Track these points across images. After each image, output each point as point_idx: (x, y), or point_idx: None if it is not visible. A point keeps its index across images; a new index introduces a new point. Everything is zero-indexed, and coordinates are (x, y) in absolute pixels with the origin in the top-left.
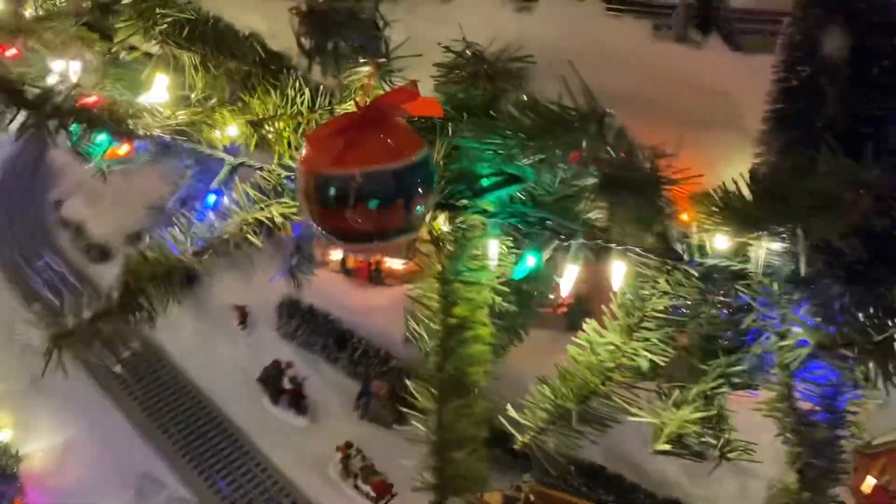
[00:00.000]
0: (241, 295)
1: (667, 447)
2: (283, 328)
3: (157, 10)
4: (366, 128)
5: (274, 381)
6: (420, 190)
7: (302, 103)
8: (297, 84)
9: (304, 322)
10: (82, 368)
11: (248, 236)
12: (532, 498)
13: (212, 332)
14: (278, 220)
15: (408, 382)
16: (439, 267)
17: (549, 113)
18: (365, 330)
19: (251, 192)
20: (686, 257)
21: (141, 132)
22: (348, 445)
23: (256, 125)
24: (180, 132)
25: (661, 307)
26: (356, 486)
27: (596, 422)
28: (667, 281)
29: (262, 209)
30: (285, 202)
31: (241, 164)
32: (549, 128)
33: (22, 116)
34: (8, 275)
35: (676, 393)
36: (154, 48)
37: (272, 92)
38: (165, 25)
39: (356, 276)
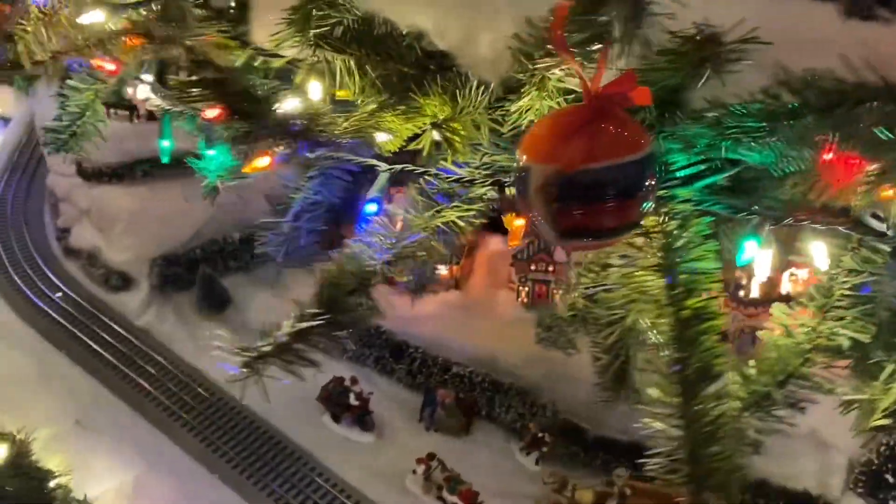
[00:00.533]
0: (278, 314)
1: (885, 422)
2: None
3: (321, 12)
4: (598, 120)
5: (338, 399)
6: (652, 182)
7: (480, 101)
8: (469, 82)
9: (355, 336)
10: (126, 404)
11: (434, 244)
12: (627, 492)
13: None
14: (461, 224)
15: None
16: (655, 259)
17: (839, 87)
18: (419, 339)
19: (420, 199)
20: (890, 232)
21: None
22: (430, 457)
23: (438, 127)
24: (350, 137)
25: (851, 285)
26: (440, 498)
27: (793, 405)
28: (852, 258)
29: (438, 215)
30: (459, 206)
31: (404, 169)
32: (833, 104)
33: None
34: (25, 313)
35: (892, 368)
36: (302, 53)
37: (444, 92)
38: (324, 28)
39: (397, 284)
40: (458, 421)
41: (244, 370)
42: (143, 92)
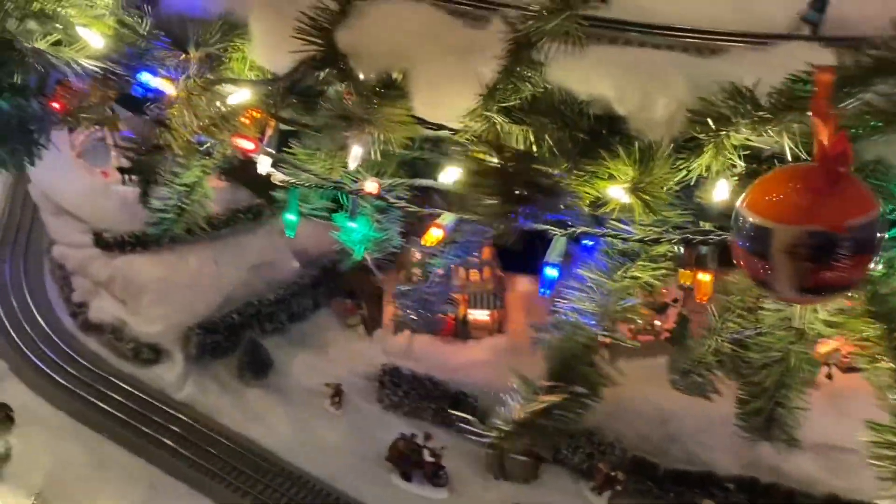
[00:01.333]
0: (322, 373)
1: None
2: (387, 399)
3: (511, 87)
4: (838, 180)
5: (410, 456)
6: (883, 235)
7: (667, 162)
8: (658, 146)
9: (411, 390)
10: (185, 484)
11: (641, 307)
12: None
13: (307, 417)
14: (654, 283)
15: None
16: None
17: None
18: (474, 387)
19: (609, 261)
20: None
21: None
22: None
23: (636, 190)
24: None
25: None
26: None
27: None
28: None
29: (628, 276)
30: (647, 265)
31: (586, 231)
32: None
33: None
34: (55, 398)
35: None
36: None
37: (630, 155)
38: (512, 101)
39: (441, 332)
40: (527, 466)
41: (489, 450)
42: (264, 165)
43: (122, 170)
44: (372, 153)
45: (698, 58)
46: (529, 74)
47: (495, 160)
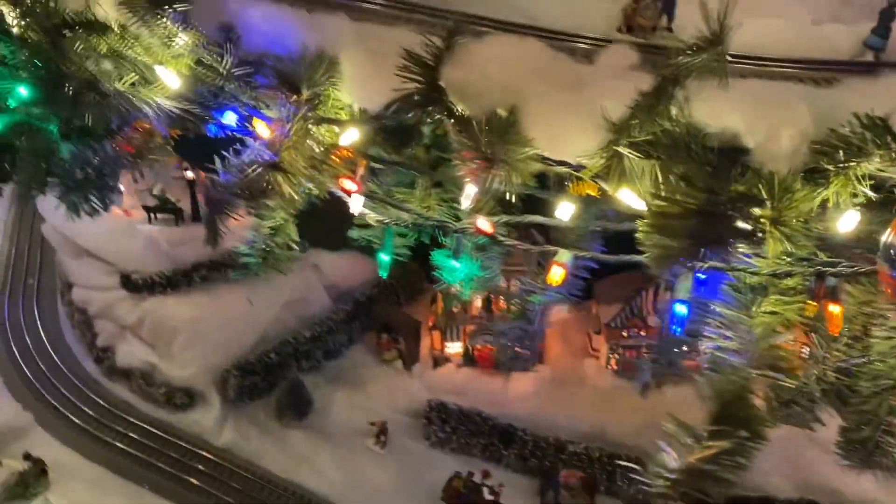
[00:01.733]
0: (364, 411)
1: None
2: (434, 436)
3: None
4: None
5: (468, 495)
6: None
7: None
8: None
9: (459, 425)
10: None
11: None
12: None
13: (354, 458)
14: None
15: None
16: None
17: None
18: (523, 420)
19: (738, 296)
20: None
21: None
22: None
23: (775, 223)
24: None
25: None
26: None
27: None
28: None
29: (765, 312)
30: (781, 298)
31: (717, 267)
32: None
33: None
34: (89, 450)
35: None
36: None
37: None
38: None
39: (482, 364)
40: (584, 500)
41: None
42: (357, 205)
43: (148, 208)
44: (490, 191)
45: (818, 88)
46: (668, 110)
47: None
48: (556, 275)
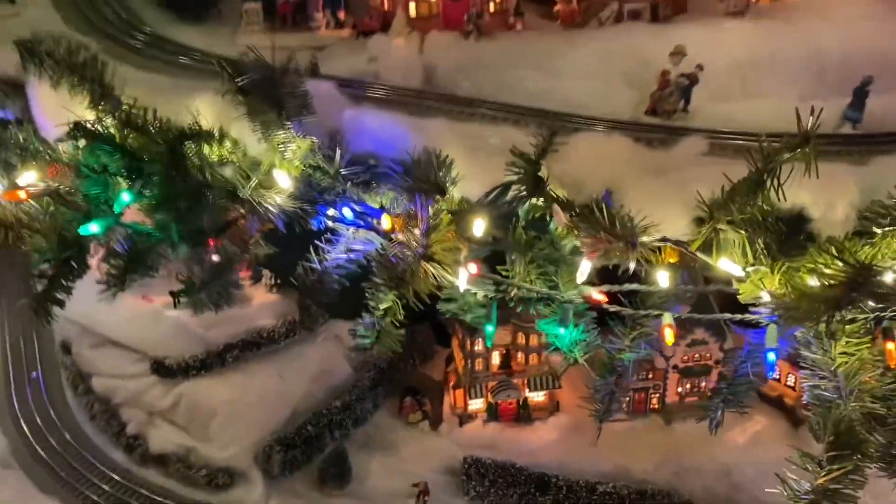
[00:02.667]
0: (400, 475)
1: None
2: (473, 491)
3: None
4: None
5: None
6: None
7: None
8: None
9: (497, 479)
10: None
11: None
12: None
13: None
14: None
15: None
16: None
17: None
18: (552, 468)
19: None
20: None
21: None
22: None
23: None
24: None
25: None
26: None
27: None
28: None
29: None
30: (849, 341)
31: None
32: None
33: None
34: None
35: None
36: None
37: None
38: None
39: (504, 418)
40: None
41: None
42: (463, 282)
43: (174, 293)
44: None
45: (855, 165)
46: (762, 194)
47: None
48: (669, 335)
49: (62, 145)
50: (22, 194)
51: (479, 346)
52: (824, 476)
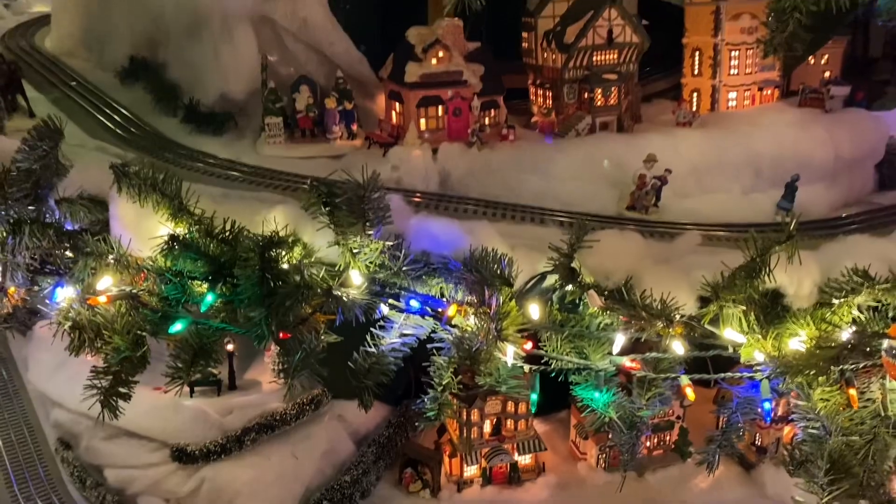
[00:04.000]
0: None
1: None
2: None
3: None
4: None
5: None
6: None
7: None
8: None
9: None
10: None
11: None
12: None
13: None
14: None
15: None
16: None
17: None
18: None
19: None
20: None
21: None
22: None
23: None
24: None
25: None
26: None
27: None
28: None
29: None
30: (826, 389)
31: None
32: None
33: None
34: None
35: None
36: None
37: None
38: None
39: (496, 481)
40: None
41: None
42: (510, 357)
43: (191, 383)
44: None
45: (810, 250)
46: (758, 277)
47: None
48: (691, 393)
49: (144, 254)
50: (102, 298)
51: (474, 416)
52: (826, 496)
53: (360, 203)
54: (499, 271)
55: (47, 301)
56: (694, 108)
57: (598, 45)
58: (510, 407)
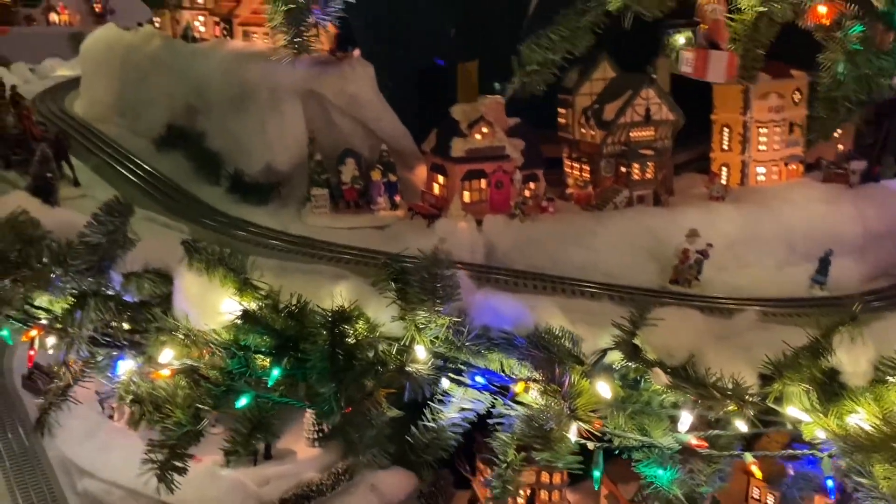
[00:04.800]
0: None
1: None
2: None
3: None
4: None
5: None
6: None
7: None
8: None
9: None
10: None
11: None
12: None
13: None
14: None
15: None
16: None
17: None
18: None
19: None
20: None
21: None
22: None
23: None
24: None
25: None
26: None
27: None
28: None
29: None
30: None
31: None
32: None
33: None
34: None
35: None
36: None
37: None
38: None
39: None
40: None
41: None
42: (574, 433)
43: (227, 452)
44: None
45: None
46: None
47: None
48: (757, 471)
49: (208, 328)
50: (166, 372)
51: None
52: None
53: (433, 281)
54: (570, 349)
55: (109, 374)
56: (725, 182)
57: (636, 122)
58: (545, 477)
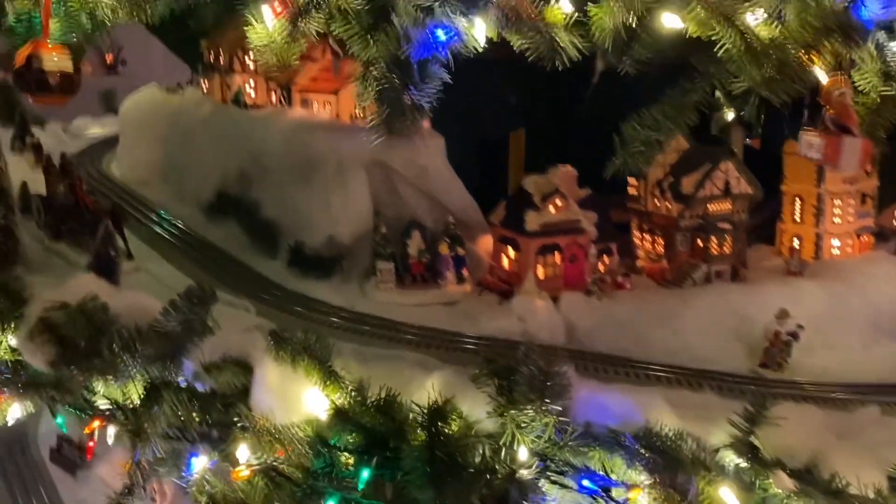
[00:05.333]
0: None
1: None
2: None
3: None
4: None
5: None
6: None
7: None
8: None
9: None
10: None
11: None
12: None
13: None
14: None
15: None
16: None
17: None
18: None
19: None
20: None
21: None
22: None
23: None
24: None
25: None
26: None
27: None
28: None
29: None
30: None
31: None
32: None
33: None
34: None
35: None
36: None
37: None
38: None
39: None
40: None
41: None
42: None
43: None
44: None
45: None
46: None
47: None
48: None
49: (291, 423)
50: (245, 472)
51: None
52: None
53: (543, 381)
54: (695, 451)
55: (183, 473)
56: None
57: (714, 195)
58: None
